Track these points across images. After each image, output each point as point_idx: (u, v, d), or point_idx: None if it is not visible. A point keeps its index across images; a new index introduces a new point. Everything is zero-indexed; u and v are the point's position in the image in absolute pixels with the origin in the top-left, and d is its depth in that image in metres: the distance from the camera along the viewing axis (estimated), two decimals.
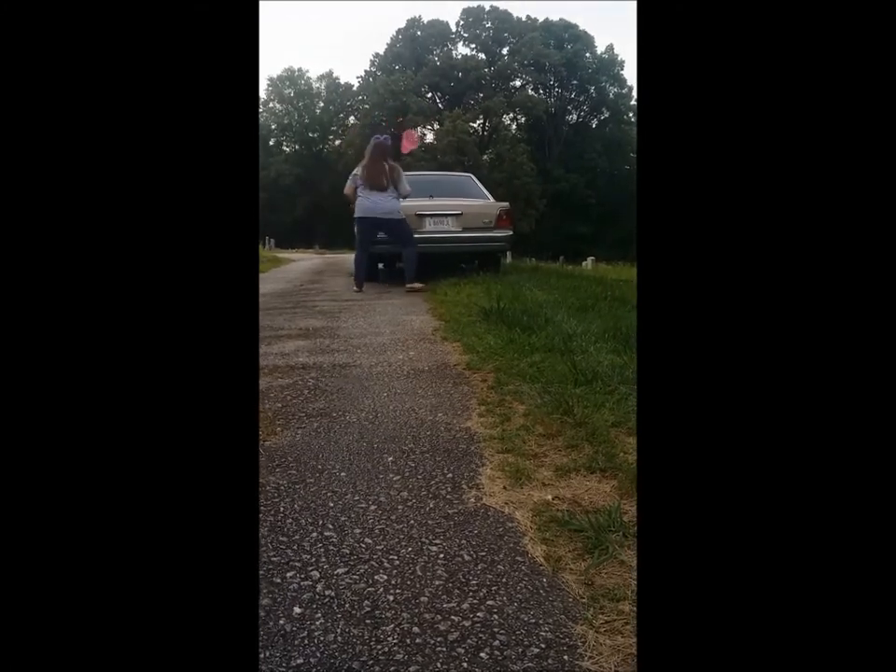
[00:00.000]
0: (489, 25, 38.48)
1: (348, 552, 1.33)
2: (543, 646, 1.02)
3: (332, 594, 1.18)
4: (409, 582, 1.21)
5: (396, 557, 1.30)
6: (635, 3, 0.74)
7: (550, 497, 1.57)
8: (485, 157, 33.82)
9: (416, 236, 6.25)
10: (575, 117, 40.36)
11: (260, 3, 0.79)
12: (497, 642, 1.03)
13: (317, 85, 42.63)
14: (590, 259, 25.37)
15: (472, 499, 1.58)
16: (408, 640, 1.04)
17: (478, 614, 1.10)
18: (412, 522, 1.46)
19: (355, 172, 6.11)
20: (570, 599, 1.14)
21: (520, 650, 1.01)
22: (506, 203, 7.06)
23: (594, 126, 39.80)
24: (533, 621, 1.08)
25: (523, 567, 1.26)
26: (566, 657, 0.99)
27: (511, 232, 6.83)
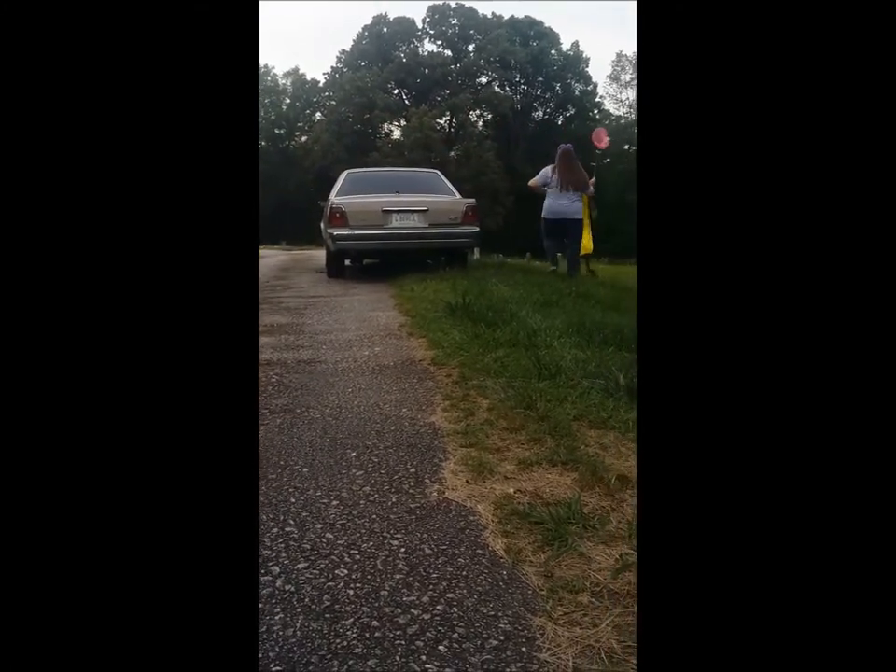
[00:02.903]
0: (455, 22, 38.43)
1: (309, 547, 1.32)
2: (502, 638, 1.02)
3: (292, 588, 1.17)
4: (369, 577, 1.21)
5: (357, 552, 1.30)
6: (606, 3, 0.74)
7: (511, 490, 1.58)
8: (452, 153, 33.81)
9: (382, 232, 6.29)
10: (541, 114, 40.56)
11: (260, 3, 0.79)
12: (455, 635, 1.03)
13: (283, 82, 42.16)
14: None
15: (435, 494, 1.58)
16: (367, 634, 1.04)
17: (437, 607, 1.10)
18: (373, 517, 1.46)
19: (545, 171, 6.59)
20: (530, 591, 1.15)
21: (478, 642, 1.01)
22: (472, 200, 7.06)
23: (560, 123, 40.01)
24: (492, 613, 1.09)
25: (483, 560, 1.26)
26: (524, 649, 0.99)
27: (477, 229, 6.83)
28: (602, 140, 6.56)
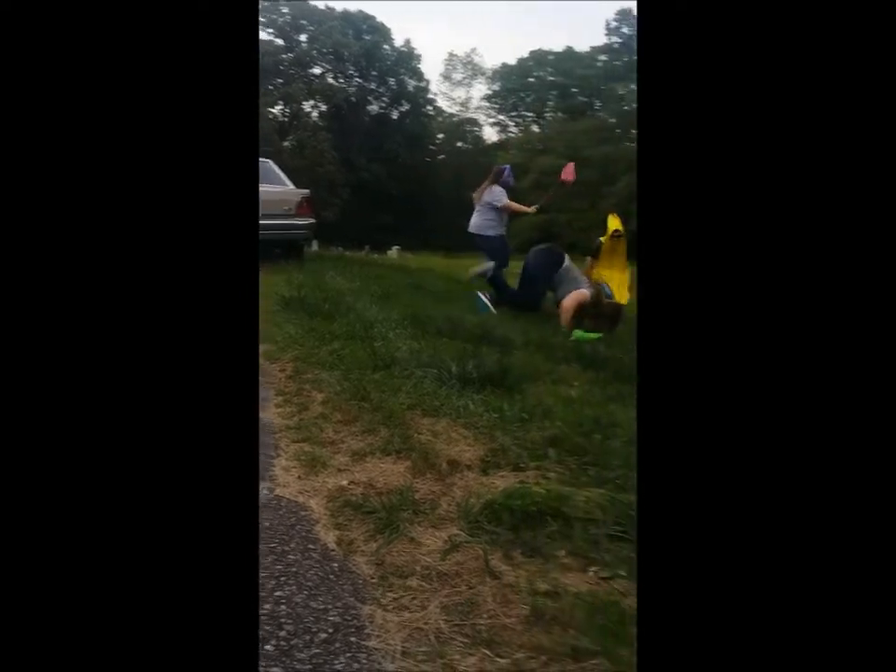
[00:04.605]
0: (286, 11, 37.46)
1: None
2: (331, 630, 1.01)
3: None
4: None
5: None
6: (436, 3, 0.72)
7: (345, 482, 1.56)
8: (286, 143, 32.98)
9: None
10: (376, 107, 40.58)
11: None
12: (283, 633, 1.00)
13: None
14: (395, 248, 25.67)
15: (265, 491, 1.53)
16: None
17: (265, 607, 1.07)
18: None
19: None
20: (360, 581, 1.14)
21: (307, 637, 0.99)
22: (307, 190, 6.94)
23: (395, 117, 40.27)
24: (322, 607, 1.07)
25: (314, 555, 1.24)
26: (353, 639, 0.99)
27: (313, 220, 6.73)
28: (570, 174, 6.56)
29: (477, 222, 6.18)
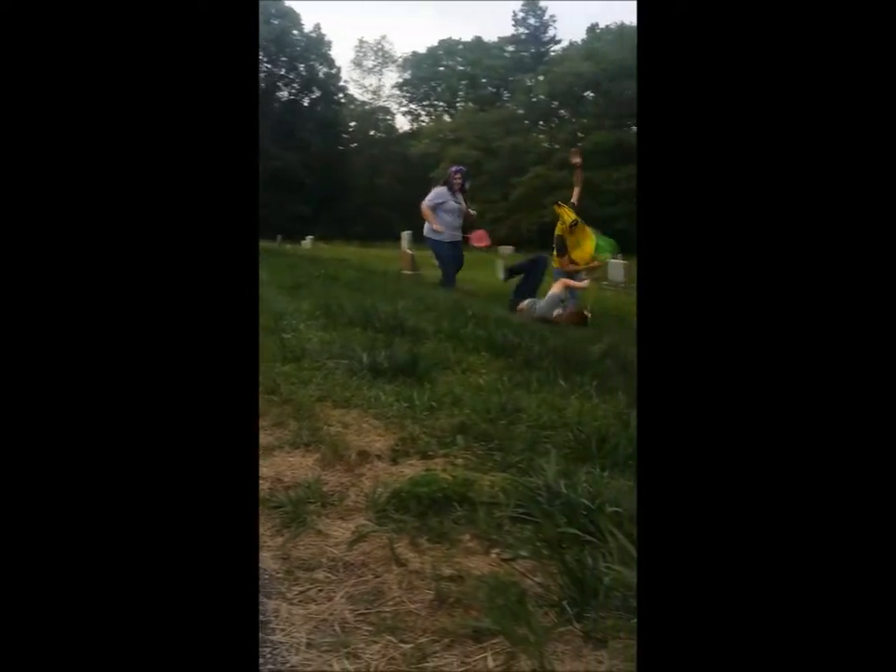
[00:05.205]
0: None
1: None
2: None
3: None
4: None
5: None
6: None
7: None
8: None
9: None
10: (286, 94, 39.74)
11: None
12: None
13: None
14: (309, 238, 25.28)
15: None
16: None
17: None
18: None
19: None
20: (266, 577, 1.14)
21: None
22: None
23: (305, 104, 39.55)
24: None
25: None
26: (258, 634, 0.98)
27: None
28: (483, 241, 6.68)
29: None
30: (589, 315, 5.09)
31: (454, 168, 6.75)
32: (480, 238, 6.61)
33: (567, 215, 5.66)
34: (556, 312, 5.05)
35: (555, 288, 5.26)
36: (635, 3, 0.76)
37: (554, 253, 5.89)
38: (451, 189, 6.48)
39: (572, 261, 5.75)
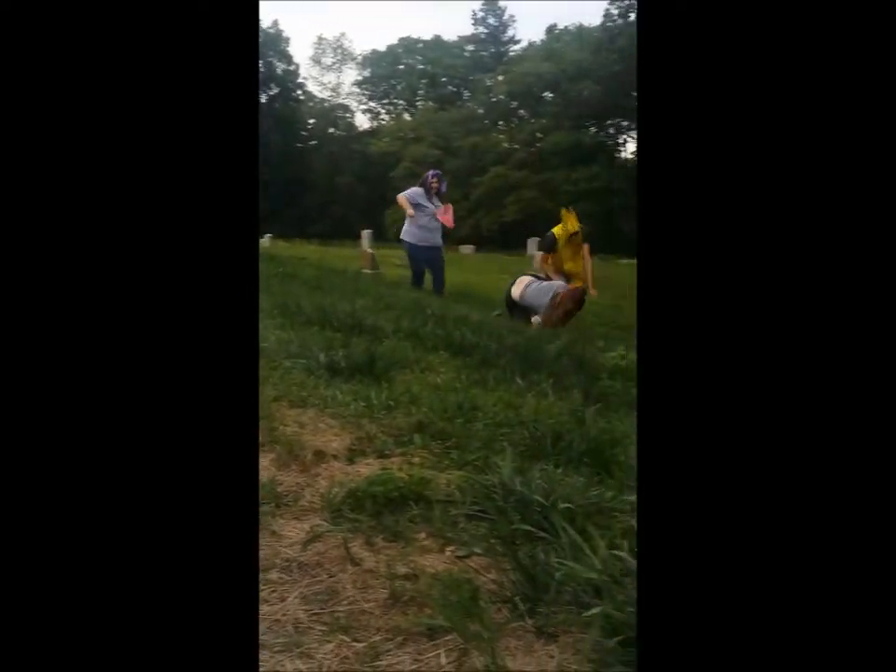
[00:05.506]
0: None
1: None
2: None
3: None
4: None
5: None
6: None
7: None
8: None
9: None
10: None
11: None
12: None
13: None
14: (267, 236, 25.01)
15: None
16: None
17: None
18: None
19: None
20: None
21: None
22: None
23: (264, 101, 39.07)
24: None
25: None
26: None
27: None
28: (447, 219, 6.68)
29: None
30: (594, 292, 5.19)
31: (431, 172, 6.82)
32: (444, 212, 6.64)
33: (572, 223, 5.74)
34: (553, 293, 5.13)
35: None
36: (592, 4, 0.78)
37: (542, 252, 6.02)
38: (427, 191, 6.54)
39: (560, 270, 5.82)
